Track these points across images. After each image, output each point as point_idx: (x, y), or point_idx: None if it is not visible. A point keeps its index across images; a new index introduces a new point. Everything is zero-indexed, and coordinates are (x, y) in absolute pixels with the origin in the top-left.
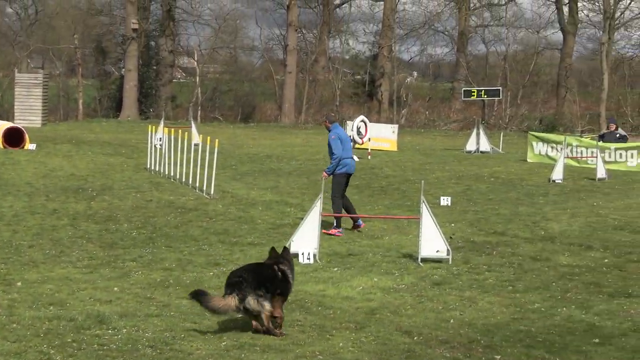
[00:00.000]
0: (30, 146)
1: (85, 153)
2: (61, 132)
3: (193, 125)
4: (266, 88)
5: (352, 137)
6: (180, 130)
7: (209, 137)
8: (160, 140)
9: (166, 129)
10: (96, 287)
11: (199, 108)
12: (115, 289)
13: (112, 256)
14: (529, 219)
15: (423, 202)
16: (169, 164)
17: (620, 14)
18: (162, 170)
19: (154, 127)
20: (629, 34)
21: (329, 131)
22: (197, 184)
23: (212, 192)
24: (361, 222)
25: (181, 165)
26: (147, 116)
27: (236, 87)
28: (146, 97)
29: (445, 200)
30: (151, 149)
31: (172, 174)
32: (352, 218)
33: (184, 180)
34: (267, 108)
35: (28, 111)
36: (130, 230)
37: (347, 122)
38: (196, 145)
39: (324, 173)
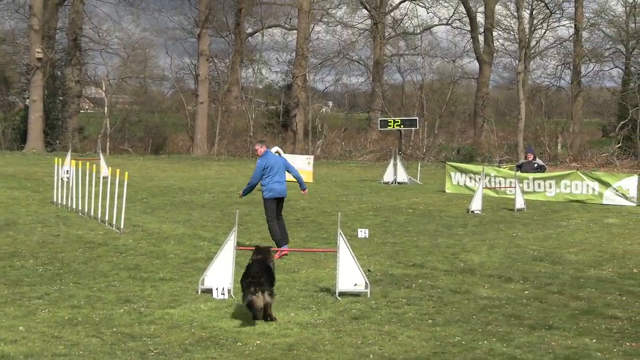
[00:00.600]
0: None
1: None
2: None
3: (101, 157)
4: (178, 119)
5: None
6: (88, 163)
7: (118, 170)
8: (67, 173)
9: (73, 162)
10: (0, 327)
11: (108, 139)
12: (21, 328)
13: (17, 294)
14: (448, 250)
15: (340, 234)
16: (77, 197)
17: (536, 43)
18: (69, 204)
19: (60, 159)
20: (545, 63)
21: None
22: (107, 218)
23: (122, 226)
24: (285, 246)
25: (89, 198)
26: (54, 148)
27: (146, 118)
28: (52, 129)
29: (362, 233)
30: (58, 182)
31: (80, 208)
32: (276, 242)
33: (92, 214)
34: (179, 139)
35: None
36: (36, 267)
37: None
38: (105, 177)
39: (240, 192)
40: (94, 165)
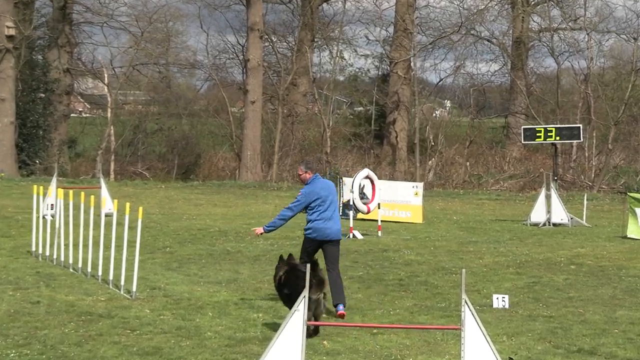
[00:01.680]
0: None
1: None
2: None
3: (103, 184)
4: (217, 126)
5: (351, 203)
6: (82, 193)
7: (127, 203)
8: (51, 209)
9: (61, 191)
10: None
11: (113, 158)
12: None
13: None
14: (634, 329)
15: (465, 303)
16: (66, 245)
17: None
18: (55, 255)
19: (41, 187)
20: None
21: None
22: (111, 277)
23: (134, 289)
24: (342, 307)
25: (85, 247)
26: (32, 171)
27: (170, 126)
28: (29, 141)
29: (500, 301)
30: (38, 222)
31: (70, 261)
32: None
33: (89, 270)
34: (218, 158)
35: None
36: (6, 350)
37: (344, 179)
38: (108, 215)
39: (260, 229)
40: (92, 197)
